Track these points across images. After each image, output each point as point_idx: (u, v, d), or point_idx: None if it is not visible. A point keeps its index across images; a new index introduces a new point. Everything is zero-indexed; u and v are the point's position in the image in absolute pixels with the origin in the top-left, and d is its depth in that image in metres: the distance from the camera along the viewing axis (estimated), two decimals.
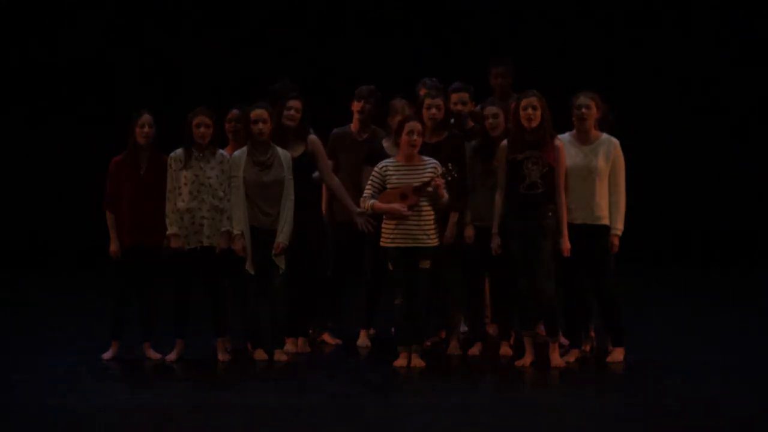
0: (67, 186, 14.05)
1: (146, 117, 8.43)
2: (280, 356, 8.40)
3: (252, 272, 8.34)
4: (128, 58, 14.23)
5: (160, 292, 8.46)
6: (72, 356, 8.62)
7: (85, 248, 13.06)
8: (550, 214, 8.07)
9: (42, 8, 14.23)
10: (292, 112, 8.63)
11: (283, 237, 8.34)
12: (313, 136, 8.73)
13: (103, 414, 6.88)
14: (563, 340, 8.35)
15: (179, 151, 8.42)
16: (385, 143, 8.69)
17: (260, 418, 6.80)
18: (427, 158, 8.18)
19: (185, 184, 8.36)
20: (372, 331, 9.13)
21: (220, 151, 8.50)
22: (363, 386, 7.72)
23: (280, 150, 8.43)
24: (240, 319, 8.48)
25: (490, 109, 8.45)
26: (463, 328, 8.87)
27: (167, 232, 8.35)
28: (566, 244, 8.06)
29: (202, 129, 8.39)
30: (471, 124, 8.78)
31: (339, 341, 9.11)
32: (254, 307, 8.40)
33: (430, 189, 8.08)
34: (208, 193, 8.39)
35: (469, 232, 8.48)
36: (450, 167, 8.11)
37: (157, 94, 13.40)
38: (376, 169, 8.26)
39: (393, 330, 8.55)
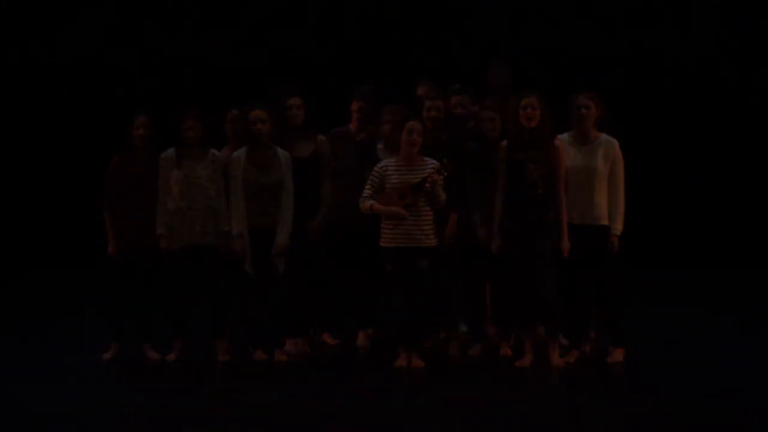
0: (66, 185, 14.07)
1: (141, 119, 8.44)
2: (280, 356, 8.40)
3: (251, 272, 8.36)
4: (128, 58, 14.25)
5: (160, 293, 8.47)
6: (72, 356, 8.65)
7: (84, 248, 13.08)
8: (550, 214, 8.09)
9: (42, 8, 14.26)
10: (294, 110, 8.64)
11: (282, 237, 8.36)
12: (322, 137, 8.75)
13: (103, 414, 6.89)
14: (563, 341, 8.36)
15: (170, 150, 8.44)
16: (380, 145, 8.72)
17: (260, 418, 6.81)
18: (427, 159, 8.19)
19: (176, 183, 8.37)
20: (371, 332, 9.14)
21: (213, 150, 8.51)
22: (363, 386, 7.75)
23: (279, 150, 8.43)
24: (240, 319, 8.50)
25: (487, 114, 8.44)
26: (463, 328, 8.88)
27: (157, 232, 8.39)
28: (566, 244, 8.07)
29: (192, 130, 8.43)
30: (471, 124, 8.80)
31: (339, 341, 9.13)
32: (254, 308, 8.41)
33: (427, 185, 8.10)
34: (199, 193, 8.38)
35: (482, 233, 8.44)
36: (445, 162, 8.12)
37: (156, 94, 13.43)
38: (375, 168, 8.27)
39: (393, 330, 8.56)
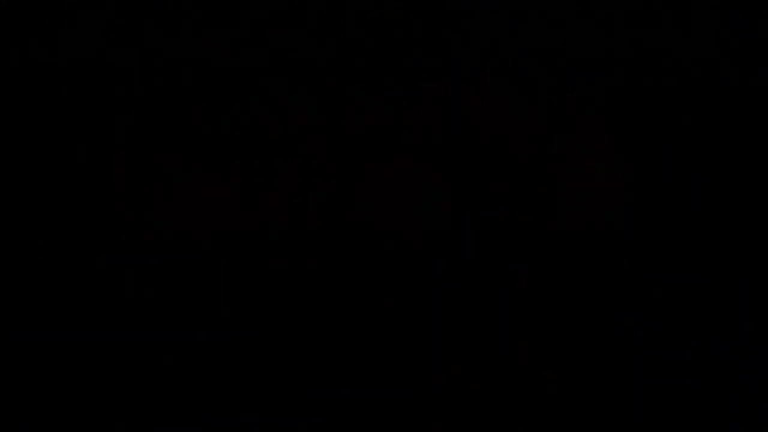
0: (66, 185, 14.08)
1: (139, 119, 8.47)
2: None
3: None
4: (128, 58, 14.26)
5: None
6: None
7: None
8: None
9: (42, 8, 14.27)
10: None
11: None
12: None
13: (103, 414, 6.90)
14: None
15: None
16: None
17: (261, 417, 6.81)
18: None
19: None
20: None
21: None
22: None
23: None
24: None
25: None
26: None
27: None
28: None
29: None
30: None
31: None
32: None
33: None
34: None
35: None
36: None
37: (156, 94, 13.43)
38: None
39: None
